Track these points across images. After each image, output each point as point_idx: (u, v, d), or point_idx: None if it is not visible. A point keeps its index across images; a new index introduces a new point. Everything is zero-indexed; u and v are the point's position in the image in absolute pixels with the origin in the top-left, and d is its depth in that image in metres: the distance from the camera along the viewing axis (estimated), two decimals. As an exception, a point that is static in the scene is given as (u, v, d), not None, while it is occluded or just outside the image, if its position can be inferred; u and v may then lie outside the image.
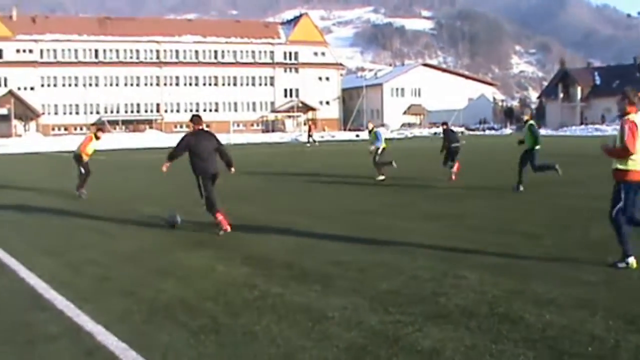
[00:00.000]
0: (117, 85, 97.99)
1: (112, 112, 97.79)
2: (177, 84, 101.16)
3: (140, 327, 6.11)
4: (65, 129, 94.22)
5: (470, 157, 28.01)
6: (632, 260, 8.01)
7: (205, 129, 11.46)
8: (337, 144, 54.48)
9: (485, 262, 8.27)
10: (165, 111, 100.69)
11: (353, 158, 31.71)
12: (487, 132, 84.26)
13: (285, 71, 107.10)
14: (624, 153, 7.84)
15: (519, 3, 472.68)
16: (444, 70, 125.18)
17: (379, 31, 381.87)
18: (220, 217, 10.89)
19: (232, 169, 11.54)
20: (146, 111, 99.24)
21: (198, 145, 10.94)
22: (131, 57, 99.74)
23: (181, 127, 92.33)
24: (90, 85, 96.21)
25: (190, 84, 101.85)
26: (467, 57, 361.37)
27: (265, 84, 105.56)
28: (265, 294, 7.03)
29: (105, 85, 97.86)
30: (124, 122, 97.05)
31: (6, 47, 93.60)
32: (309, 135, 51.66)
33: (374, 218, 12.17)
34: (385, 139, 21.74)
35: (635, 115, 7.92)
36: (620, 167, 7.94)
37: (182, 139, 11.10)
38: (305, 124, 77.24)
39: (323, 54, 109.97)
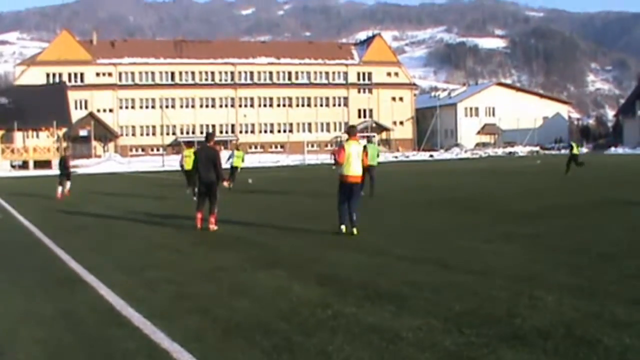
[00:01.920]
0: (192, 106, 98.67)
1: (187, 133, 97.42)
2: (251, 105, 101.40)
3: (215, 345, 6.07)
4: (143, 150, 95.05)
5: (546, 177, 27.54)
6: None
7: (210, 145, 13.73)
8: (410, 163, 54.50)
9: (561, 283, 8.06)
10: (240, 132, 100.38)
11: (425, 178, 31.52)
12: (563, 151, 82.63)
13: (359, 92, 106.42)
14: None
15: (593, 20, 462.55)
16: (518, 89, 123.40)
17: (452, 50, 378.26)
18: (199, 215, 13.37)
19: (224, 183, 13.80)
20: (221, 132, 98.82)
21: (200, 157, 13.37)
22: (206, 79, 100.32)
23: (255, 147, 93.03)
24: (167, 107, 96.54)
25: (265, 105, 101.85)
26: (542, 75, 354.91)
27: (339, 105, 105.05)
28: (339, 314, 6.93)
29: (182, 106, 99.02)
30: (199, 143, 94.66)
31: (87, 71, 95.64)
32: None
33: (446, 238, 11.94)
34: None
35: None
36: None
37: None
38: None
39: (396, 74, 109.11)
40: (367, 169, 16.71)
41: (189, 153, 23.28)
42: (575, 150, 33.80)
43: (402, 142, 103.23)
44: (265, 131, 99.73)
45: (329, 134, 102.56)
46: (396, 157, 72.91)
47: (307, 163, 57.79)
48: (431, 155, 74.16)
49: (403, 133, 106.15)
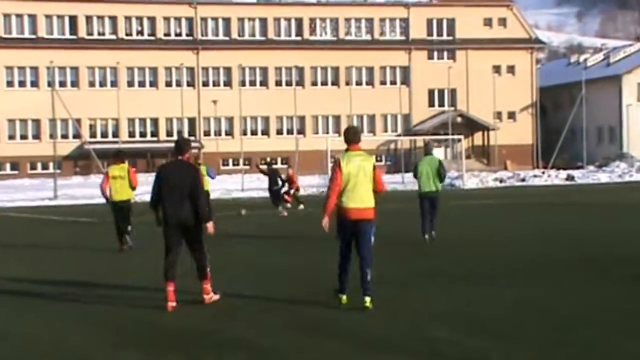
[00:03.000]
0: (114, 84, 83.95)
1: (104, 135, 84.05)
2: (227, 83, 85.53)
3: None
4: (14, 167, 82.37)
5: None
6: None
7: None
8: (528, 191, 50.42)
9: None
10: (206, 133, 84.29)
11: (560, 219, 27.50)
12: None
13: (431, 57, 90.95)
14: None
15: None
16: None
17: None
18: (170, 288, 11.74)
19: None
20: (168, 134, 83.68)
21: None
22: (139, 31, 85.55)
23: (234, 162, 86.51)
24: (62, 84, 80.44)
25: (253, 83, 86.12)
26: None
27: (393, 81, 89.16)
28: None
29: (92, 84, 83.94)
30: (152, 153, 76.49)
31: None
32: (289, 191, 38.45)
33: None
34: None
35: None
36: None
37: None
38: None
39: (503, 21, 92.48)
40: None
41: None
42: None
43: (512, 152, 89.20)
44: (254, 131, 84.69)
45: (374, 138, 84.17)
46: (501, 179, 63.96)
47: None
48: (570, 177, 66.33)
49: (515, 134, 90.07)
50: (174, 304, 11.21)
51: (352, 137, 11.54)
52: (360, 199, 11.17)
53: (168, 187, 11.65)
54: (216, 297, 11.78)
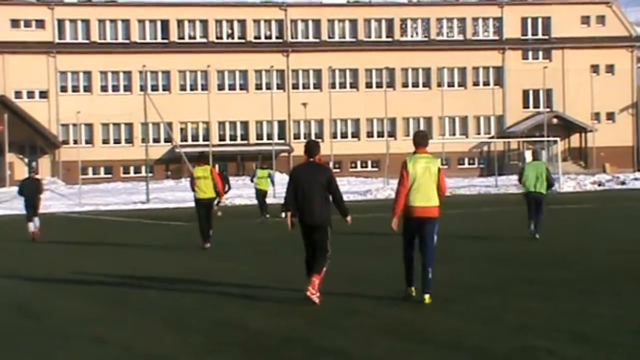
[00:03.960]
0: (204, 88, 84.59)
1: (195, 139, 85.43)
2: (317, 85, 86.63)
3: None
4: (108, 171, 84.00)
5: None
6: None
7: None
8: (631, 194, 49.04)
9: None
10: (296, 137, 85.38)
11: None
12: None
13: (526, 57, 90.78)
14: None
15: None
16: None
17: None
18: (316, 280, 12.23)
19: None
20: (259, 138, 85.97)
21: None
22: (229, 34, 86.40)
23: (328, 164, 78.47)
24: (154, 88, 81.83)
25: (343, 85, 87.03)
26: None
27: (486, 82, 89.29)
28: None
29: (183, 88, 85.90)
30: (219, 157, 77.38)
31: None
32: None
33: None
34: None
35: None
36: None
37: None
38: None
39: (601, 19, 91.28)
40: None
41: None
42: None
43: (611, 154, 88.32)
44: (344, 134, 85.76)
45: (466, 140, 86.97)
46: (599, 182, 64.16)
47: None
48: (682, 182, 68.22)
49: (614, 136, 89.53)
50: (314, 290, 11.66)
51: (420, 140, 12.01)
52: (426, 197, 11.70)
53: (302, 189, 12.17)
54: (316, 298, 11.94)
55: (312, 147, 12.52)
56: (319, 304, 11.77)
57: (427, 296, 11.59)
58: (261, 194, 32.65)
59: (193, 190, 21.38)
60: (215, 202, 22.33)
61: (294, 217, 12.41)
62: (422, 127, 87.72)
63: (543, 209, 19.84)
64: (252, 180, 34.44)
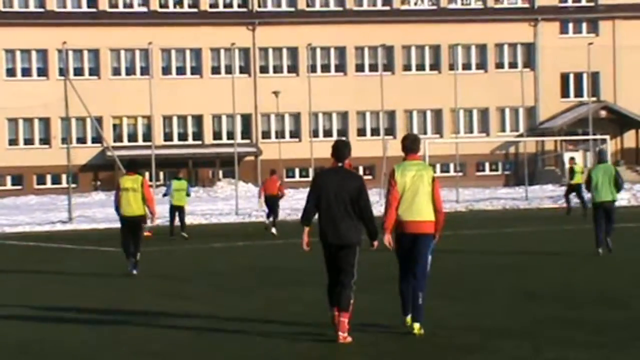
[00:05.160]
0: (144, 72, 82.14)
1: (132, 139, 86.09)
2: (291, 69, 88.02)
3: None
4: (16, 182, 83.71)
5: None
6: None
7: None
8: None
9: None
10: (265, 135, 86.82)
11: None
12: None
13: (564, 31, 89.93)
14: None
15: None
16: None
17: None
18: (337, 313, 12.83)
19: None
20: (215, 137, 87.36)
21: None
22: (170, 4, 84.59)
23: (293, 172, 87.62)
24: (78, 73, 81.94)
25: (326, 68, 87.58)
26: None
27: (513, 64, 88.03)
28: None
29: (118, 72, 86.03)
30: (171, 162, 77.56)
31: None
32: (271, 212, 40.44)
33: None
34: None
35: None
36: None
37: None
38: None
39: None
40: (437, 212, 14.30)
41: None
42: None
43: None
44: (328, 132, 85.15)
45: (486, 139, 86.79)
46: None
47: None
48: None
49: None
50: (346, 334, 12.24)
51: (411, 145, 12.85)
52: (417, 211, 12.57)
53: (326, 200, 12.57)
54: (349, 339, 12.32)
55: (341, 149, 12.74)
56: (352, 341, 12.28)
57: (417, 325, 12.33)
58: (177, 211, 33.64)
59: (117, 205, 21.90)
60: (147, 220, 23.06)
61: (309, 236, 12.74)
62: (429, 122, 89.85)
63: (614, 218, 21.92)
64: (165, 194, 35.24)
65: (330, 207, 12.57)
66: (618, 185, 22.21)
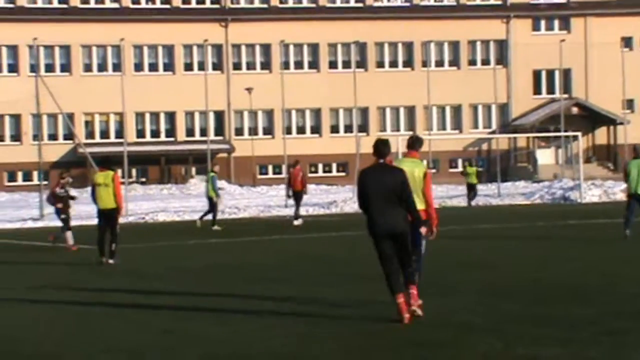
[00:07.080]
0: (116, 68, 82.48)
1: (105, 136, 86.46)
2: (264, 66, 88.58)
3: None
4: None
5: None
6: None
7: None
8: None
9: None
10: (238, 132, 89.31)
11: None
12: None
13: (536, 27, 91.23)
14: None
15: None
16: None
17: None
18: (400, 300, 13.23)
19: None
20: (189, 134, 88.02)
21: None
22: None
23: (272, 169, 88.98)
24: (49, 69, 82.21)
25: (299, 64, 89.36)
26: None
27: (486, 61, 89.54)
28: None
29: (88, 68, 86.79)
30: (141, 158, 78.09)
31: None
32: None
33: None
34: None
35: None
36: None
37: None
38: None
39: None
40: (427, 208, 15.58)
41: None
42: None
43: None
44: (301, 129, 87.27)
45: (459, 136, 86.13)
46: None
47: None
48: None
49: None
50: (408, 315, 13.08)
51: (413, 143, 14.71)
52: None
53: (373, 195, 13.32)
54: (420, 310, 13.42)
55: (382, 147, 13.46)
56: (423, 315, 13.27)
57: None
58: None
59: (93, 199, 24.07)
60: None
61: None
62: (402, 119, 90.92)
63: None
64: (216, 190, 36.16)
65: (378, 200, 13.24)
66: None
